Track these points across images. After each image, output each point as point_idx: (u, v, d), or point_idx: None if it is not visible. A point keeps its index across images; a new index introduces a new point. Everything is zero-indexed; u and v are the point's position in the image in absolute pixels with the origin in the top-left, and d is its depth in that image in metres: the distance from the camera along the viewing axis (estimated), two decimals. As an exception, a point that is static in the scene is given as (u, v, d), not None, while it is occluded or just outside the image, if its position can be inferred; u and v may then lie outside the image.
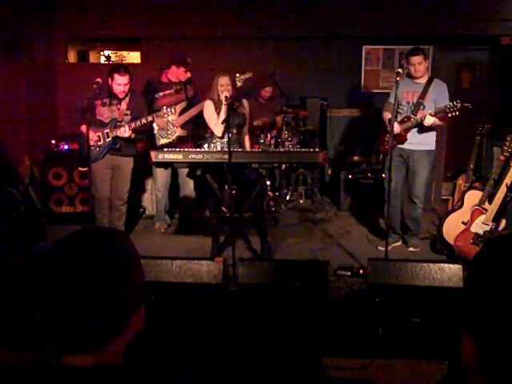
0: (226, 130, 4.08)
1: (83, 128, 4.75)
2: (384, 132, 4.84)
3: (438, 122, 4.51)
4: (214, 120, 4.48)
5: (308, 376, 2.65)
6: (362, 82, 6.89)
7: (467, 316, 0.82)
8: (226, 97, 4.23)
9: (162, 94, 5.21)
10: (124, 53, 8.36)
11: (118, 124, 4.80)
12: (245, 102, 4.68)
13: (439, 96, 4.56)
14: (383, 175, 5.30)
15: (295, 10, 6.50)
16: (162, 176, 5.45)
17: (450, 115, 4.40)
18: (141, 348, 1.21)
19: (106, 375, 0.98)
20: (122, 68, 4.72)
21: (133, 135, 4.81)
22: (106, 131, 4.79)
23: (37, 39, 6.45)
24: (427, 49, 6.65)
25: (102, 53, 8.11)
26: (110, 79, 4.70)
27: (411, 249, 4.90)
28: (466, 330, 0.83)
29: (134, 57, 8.14)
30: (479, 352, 0.80)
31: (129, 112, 4.83)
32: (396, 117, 4.74)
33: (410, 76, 4.71)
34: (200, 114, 5.03)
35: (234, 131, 4.47)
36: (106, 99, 4.79)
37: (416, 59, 4.57)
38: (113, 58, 8.24)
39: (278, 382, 2.61)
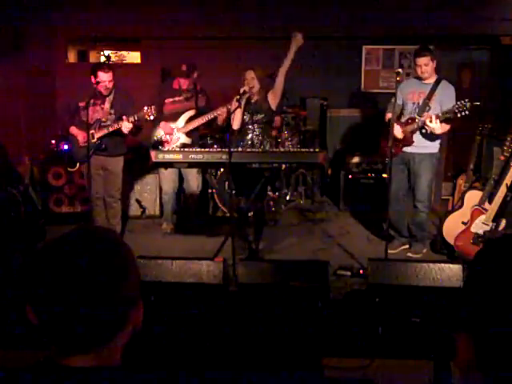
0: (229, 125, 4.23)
1: (72, 129, 4.75)
2: (386, 134, 4.66)
3: (443, 129, 4.34)
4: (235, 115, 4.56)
5: (308, 376, 2.65)
6: (362, 82, 6.89)
7: (466, 315, 0.82)
8: (244, 91, 4.28)
9: (171, 99, 5.16)
10: (124, 53, 8.36)
11: (103, 124, 4.76)
12: (269, 94, 4.65)
13: (445, 98, 4.39)
14: (384, 175, 5.25)
15: (295, 10, 6.49)
16: (168, 181, 5.41)
17: (459, 115, 4.21)
18: (140, 348, 1.21)
19: (105, 376, 0.98)
20: (105, 65, 4.72)
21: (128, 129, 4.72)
22: (91, 132, 4.72)
23: (37, 39, 6.45)
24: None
25: (101, 53, 8.11)
26: (92, 78, 4.65)
27: (409, 254, 4.75)
28: (462, 331, 0.82)
29: (134, 57, 8.14)
30: (476, 351, 0.79)
31: (113, 111, 4.79)
32: (400, 118, 4.64)
33: (417, 77, 4.56)
34: (210, 123, 5.05)
35: (251, 127, 4.51)
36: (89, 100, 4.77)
37: (422, 60, 4.37)
38: (113, 58, 8.24)
39: (277, 382, 2.61)
